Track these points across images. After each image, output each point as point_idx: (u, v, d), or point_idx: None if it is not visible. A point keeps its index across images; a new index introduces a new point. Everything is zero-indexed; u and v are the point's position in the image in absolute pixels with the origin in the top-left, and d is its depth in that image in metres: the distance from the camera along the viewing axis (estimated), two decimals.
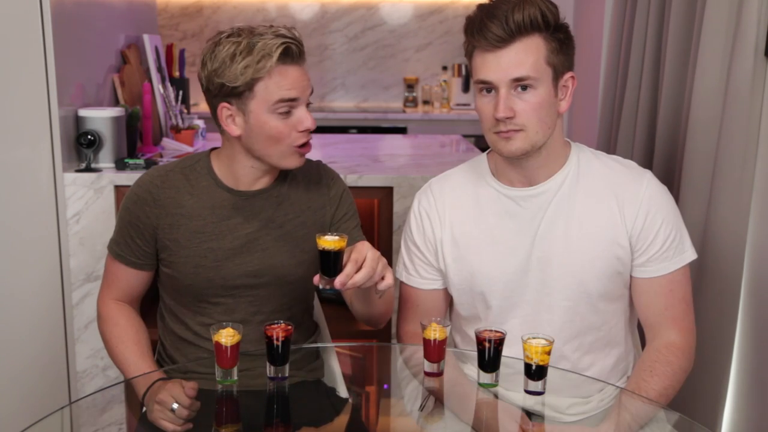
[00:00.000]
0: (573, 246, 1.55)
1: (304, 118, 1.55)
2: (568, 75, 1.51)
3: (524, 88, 1.46)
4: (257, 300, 1.67)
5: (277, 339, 1.41)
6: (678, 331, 1.57)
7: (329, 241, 1.40)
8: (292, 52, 1.52)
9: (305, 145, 1.59)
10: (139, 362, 1.60)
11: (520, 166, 1.55)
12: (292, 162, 1.59)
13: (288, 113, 1.54)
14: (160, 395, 1.42)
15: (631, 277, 1.59)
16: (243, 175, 1.63)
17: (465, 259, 1.62)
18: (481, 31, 1.45)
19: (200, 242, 1.62)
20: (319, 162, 1.76)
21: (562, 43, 1.48)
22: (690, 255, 1.58)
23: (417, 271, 1.68)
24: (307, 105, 1.58)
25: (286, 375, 1.45)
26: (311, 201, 1.70)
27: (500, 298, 1.60)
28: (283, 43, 1.50)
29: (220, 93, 1.54)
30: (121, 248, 1.65)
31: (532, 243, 1.57)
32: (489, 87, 1.48)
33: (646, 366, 1.55)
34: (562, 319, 1.58)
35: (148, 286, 1.71)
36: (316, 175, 1.73)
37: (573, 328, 1.59)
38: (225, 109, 1.56)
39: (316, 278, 1.42)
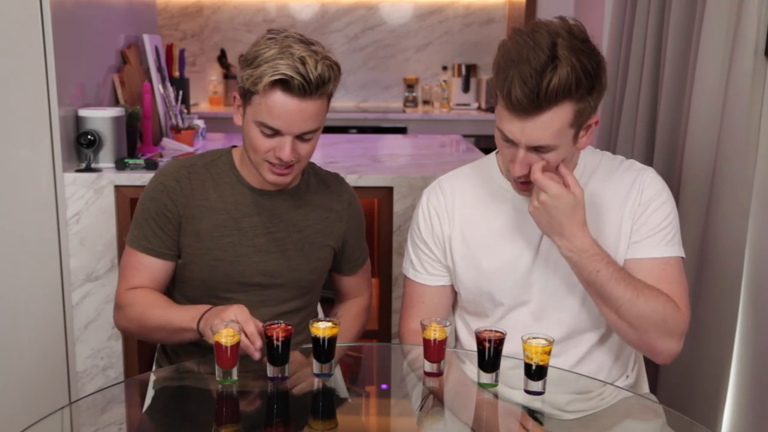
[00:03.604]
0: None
1: (283, 148, 1.54)
2: (592, 120, 1.47)
3: (544, 151, 1.45)
4: (268, 300, 1.69)
5: (277, 339, 1.41)
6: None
7: (321, 329, 1.43)
8: (293, 87, 1.49)
9: (282, 170, 1.58)
10: (181, 311, 1.58)
11: None
12: (267, 175, 1.60)
13: (271, 135, 1.54)
14: (223, 313, 1.44)
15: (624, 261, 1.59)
16: (257, 174, 1.64)
17: (474, 257, 1.63)
18: (508, 93, 1.38)
19: (221, 236, 1.64)
20: (338, 175, 1.80)
21: (592, 98, 1.42)
22: (681, 251, 1.58)
23: (424, 267, 1.68)
24: (304, 137, 1.55)
25: (287, 375, 1.45)
26: (331, 212, 1.74)
27: (508, 297, 1.61)
28: (282, 75, 1.48)
29: (238, 82, 1.57)
30: (149, 241, 1.65)
31: (539, 244, 1.58)
32: (508, 139, 1.46)
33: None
34: (569, 317, 1.60)
35: (170, 279, 1.70)
36: (337, 187, 1.77)
37: (579, 326, 1.61)
38: (236, 99, 1.59)
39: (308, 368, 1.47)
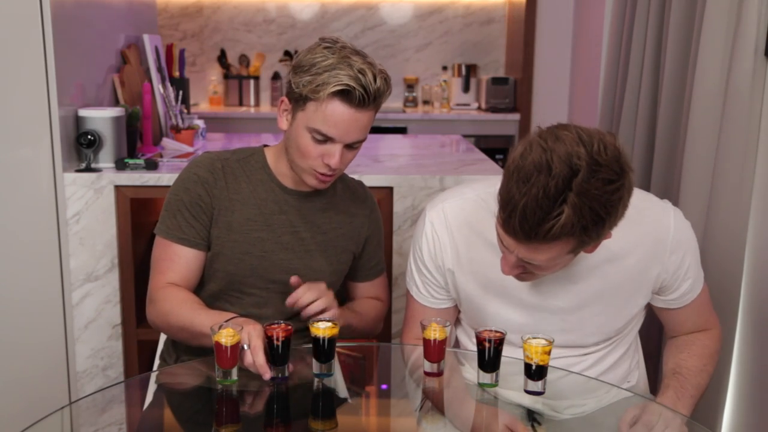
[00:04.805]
0: (597, 298, 1.55)
1: (333, 155, 1.57)
2: (602, 239, 1.36)
3: (538, 269, 1.39)
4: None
5: (277, 339, 1.41)
6: (709, 328, 1.67)
7: (321, 329, 1.44)
8: (353, 98, 1.52)
9: (325, 176, 1.61)
10: (204, 316, 1.56)
11: None
12: (309, 180, 1.63)
13: (323, 142, 1.57)
14: (242, 332, 1.42)
15: (659, 307, 1.63)
16: (289, 173, 1.68)
17: (478, 299, 1.60)
18: (508, 219, 1.30)
19: (251, 230, 1.67)
20: (361, 182, 1.84)
21: (600, 232, 1.30)
22: (702, 273, 1.63)
23: (428, 291, 1.66)
24: (353, 146, 1.59)
25: (287, 375, 1.45)
26: (354, 217, 1.77)
27: (511, 334, 1.55)
28: (345, 86, 1.51)
29: (288, 87, 1.59)
30: (183, 231, 1.66)
31: (548, 293, 1.55)
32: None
33: (682, 348, 1.64)
34: (570, 348, 1.60)
35: (202, 271, 1.70)
36: (362, 193, 1.81)
37: (581, 351, 1.61)
38: (284, 103, 1.62)
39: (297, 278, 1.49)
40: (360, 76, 1.52)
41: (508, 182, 1.30)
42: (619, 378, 1.66)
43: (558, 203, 1.24)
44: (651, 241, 1.54)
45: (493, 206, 1.41)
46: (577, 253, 1.39)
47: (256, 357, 1.41)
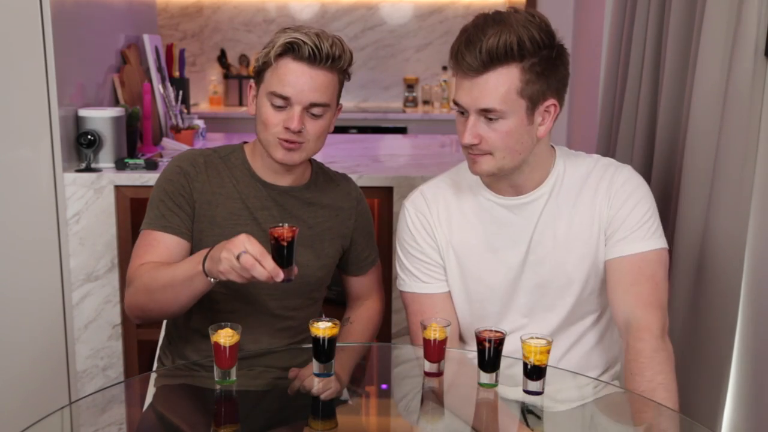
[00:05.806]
0: (563, 246, 1.58)
1: (291, 118, 1.57)
2: (548, 102, 1.50)
3: (493, 118, 1.47)
4: (276, 294, 1.70)
5: (284, 239, 1.39)
6: (644, 309, 1.53)
7: (321, 329, 1.43)
8: (303, 52, 1.54)
9: (290, 144, 1.59)
10: (184, 262, 1.54)
11: (506, 178, 1.57)
12: (275, 152, 1.61)
13: (282, 108, 1.58)
14: (229, 244, 1.39)
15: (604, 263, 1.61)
16: (266, 166, 1.68)
17: (463, 267, 1.63)
18: (457, 58, 1.46)
19: (235, 224, 1.65)
20: (345, 174, 1.84)
21: (543, 70, 1.46)
22: (662, 243, 1.58)
23: (429, 275, 1.66)
24: (315, 114, 1.59)
25: (292, 278, 1.42)
26: (340, 210, 1.76)
27: (498, 304, 1.62)
28: (292, 39, 1.54)
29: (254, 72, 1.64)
30: (167, 219, 1.63)
31: (527, 248, 1.60)
32: (462, 110, 1.50)
33: (634, 370, 1.51)
34: (558, 317, 1.61)
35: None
36: (345, 186, 1.80)
37: (567, 320, 1.62)
38: (251, 89, 1.66)
39: (296, 370, 1.48)
40: (310, 35, 1.55)
41: (455, 40, 1.48)
42: (610, 359, 1.68)
43: (499, 24, 1.43)
44: (602, 184, 1.59)
45: (466, 176, 1.61)
46: (529, 108, 1.47)
47: (265, 263, 1.37)
